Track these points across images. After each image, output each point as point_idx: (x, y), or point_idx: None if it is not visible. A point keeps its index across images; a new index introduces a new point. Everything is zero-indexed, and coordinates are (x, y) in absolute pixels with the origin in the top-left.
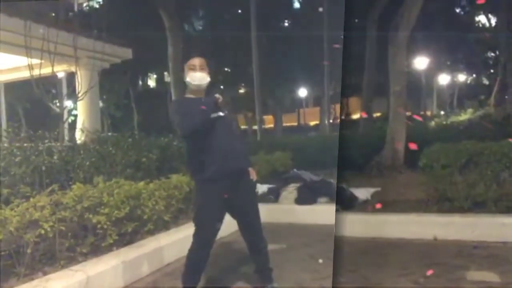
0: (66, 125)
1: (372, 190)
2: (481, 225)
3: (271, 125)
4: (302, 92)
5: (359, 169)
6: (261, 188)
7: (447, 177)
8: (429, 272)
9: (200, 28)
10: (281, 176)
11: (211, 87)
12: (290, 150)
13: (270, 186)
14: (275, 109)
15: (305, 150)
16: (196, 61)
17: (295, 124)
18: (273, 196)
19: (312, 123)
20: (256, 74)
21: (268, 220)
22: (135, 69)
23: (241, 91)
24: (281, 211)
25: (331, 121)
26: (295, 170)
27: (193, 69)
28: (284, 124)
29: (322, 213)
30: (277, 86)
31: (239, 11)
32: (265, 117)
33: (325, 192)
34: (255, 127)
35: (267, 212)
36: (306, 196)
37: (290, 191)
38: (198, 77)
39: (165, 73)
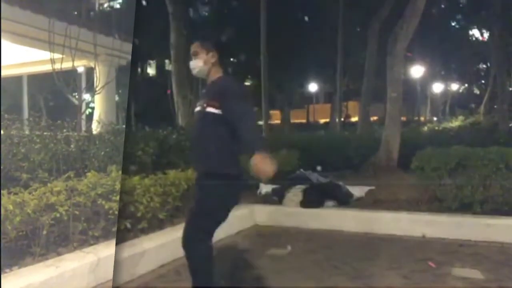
0: (83, 117)
1: (366, 188)
2: (467, 225)
3: (278, 121)
4: (313, 87)
5: (355, 168)
6: (265, 188)
7: (437, 179)
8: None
9: (206, 14)
10: (286, 176)
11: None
12: (297, 149)
13: (274, 186)
14: (283, 104)
15: (314, 150)
16: (191, 48)
17: (304, 121)
18: (277, 198)
19: (322, 121)
20: (264, 65)
21: (271, 223)
22: (133, 56)
23: (247, 83)
24: (285, 213)
25: (342, 119)
26: (301, 170)
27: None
28: (292, 121)
29: (329, 217)
30: (286, 79)
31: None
32: (271, 112)
33: (333, 195)
34: (261, 122)
35: (270, 215)
36: (313, 199)
37: (296, 193)
38: (191, 65)
39: (166, 61)
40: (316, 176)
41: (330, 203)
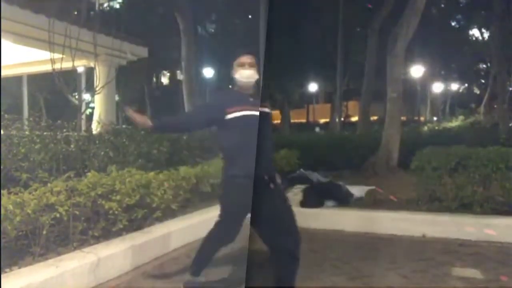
0: (83, 117)
1: (366, 188)
2: (467, 225)
3: (278, 121)
4: (313, 87)
5: (355, 168)
6: None
7: (437, 178)
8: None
9: (212, 31)
10: (286, 176)
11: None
12: (297, 149)
13: None
14: (283, 104)
15: (313, 149)
16: (246, 58)
17: (304, 120)
18: None
19: (322, 121)
20: (262, 66)
21: None
22: (150, 67)
23: None
24: None
25: (342, 119)
26: (301, 170)
27: (242, 66)
28: (292, 121)
29: (329, 217)
30: (285, 79)
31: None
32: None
33: (333, 195)
34: None
35: None
36: (313, 199)
37: (296, 193)
38: (247, 74)
39: (178, 71)
40: (316, 176)
41: (330, 203)
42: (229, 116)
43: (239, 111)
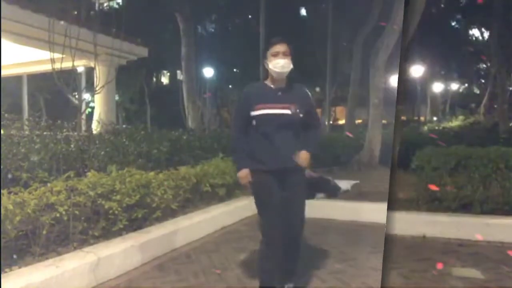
0: (83, 116)
1: (352, 182)
2: (467, 225)
3: None
4: None
5: (342, 165)
6: None
7: (437, 178)
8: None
9: (212, 31)
10: None
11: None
12: None
13: None
14: None
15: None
16: (280, 47)
17: None
18: None
19: None
20: (263, 76)
21: None
22: (150, 67)
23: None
24: None
25: (331, 122)
26: None
27: (276, 55)
28: None
29: (319, 207)
30: None
31: (249, 16)
32: None
33: (323, 188)
34: None
35: None
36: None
37: None
38: (281, 64)
39: (178, 71)
40: (308, 172)
41: (320, 195)
42: (255, 113)
43: (262, 109)
